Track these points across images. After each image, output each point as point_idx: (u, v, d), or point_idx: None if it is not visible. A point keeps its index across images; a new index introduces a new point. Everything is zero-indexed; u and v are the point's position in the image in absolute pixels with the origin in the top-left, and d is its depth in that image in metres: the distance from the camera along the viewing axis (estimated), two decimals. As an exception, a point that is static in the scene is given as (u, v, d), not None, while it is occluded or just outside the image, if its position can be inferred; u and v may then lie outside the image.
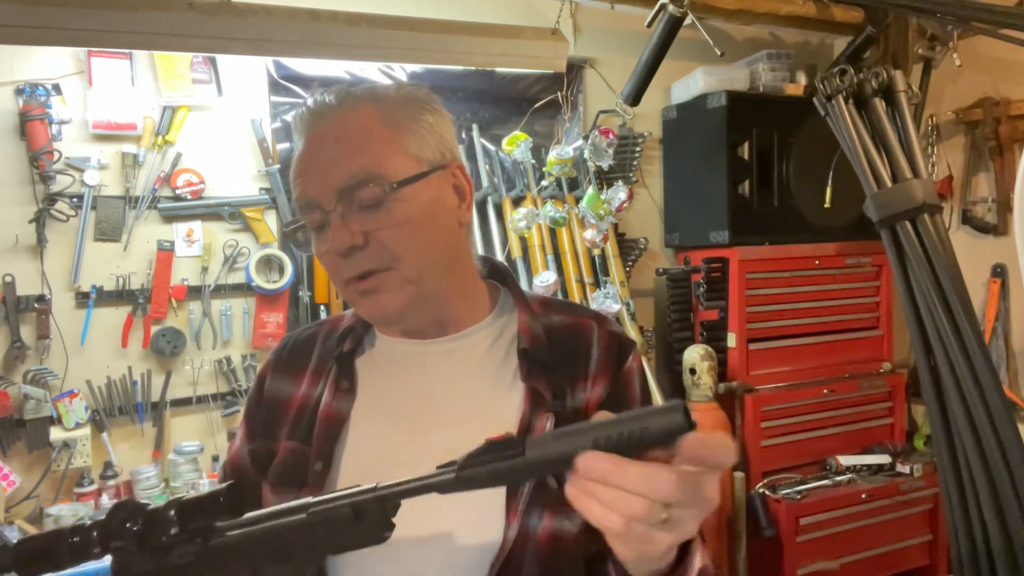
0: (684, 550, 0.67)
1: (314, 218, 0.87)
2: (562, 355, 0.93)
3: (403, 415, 0.92)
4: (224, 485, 0.67)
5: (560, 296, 2.57)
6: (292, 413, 0.95)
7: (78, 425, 2.15)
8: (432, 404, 0.91)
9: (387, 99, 0.88)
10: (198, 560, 0.68)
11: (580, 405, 0.91)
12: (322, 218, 0.86)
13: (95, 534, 0.68)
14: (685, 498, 0.56)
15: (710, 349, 2.61)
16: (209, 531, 0.68)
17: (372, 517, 0.65)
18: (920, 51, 2.84)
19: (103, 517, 0.68)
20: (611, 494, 0.56)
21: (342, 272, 0.87)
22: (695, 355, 2.59)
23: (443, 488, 0.62)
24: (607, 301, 2.56)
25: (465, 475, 0.62)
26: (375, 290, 0.86)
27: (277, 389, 0.98)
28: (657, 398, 2.41)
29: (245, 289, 2.38)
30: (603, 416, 0.58)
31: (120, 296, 2.24)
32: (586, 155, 2.65)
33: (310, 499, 0.66)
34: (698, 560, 0.69)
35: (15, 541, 0.73)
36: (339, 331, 0.98)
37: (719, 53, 2.30)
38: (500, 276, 1.02)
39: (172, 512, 0.67)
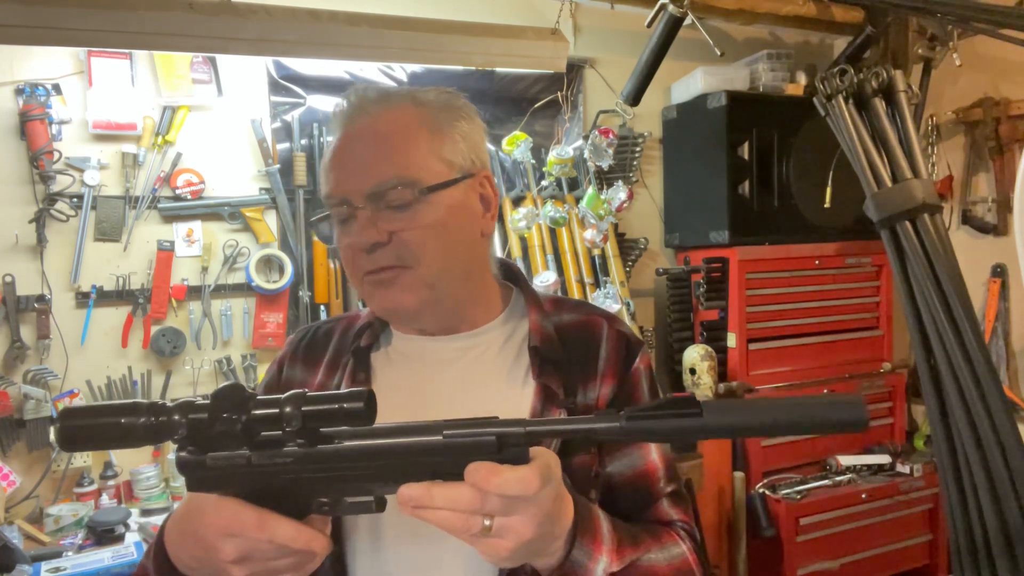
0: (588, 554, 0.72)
1: (341, 212, 0.89)
2: (573, 352, 0.95)
3: (417, 410, 0.93)
4: (365, 390, 0.60)
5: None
6: None
7: (78, 425, 2.15)
8: (446, 400, 0.93)
9: (427, 103, 0.91)
10: (296, 463, 0.61)
11: (591, 403, 0.93)
12: (349, 212, 0.88)
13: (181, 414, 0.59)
14: (497, 509, 0.60)
15: (710, 349, 2.61)
16: (326, 436, 0.61)
17: (512, 453, 0.60)
18: (920, 51, 2.84)
19: (206, 396, 0.60)
20: (428, 514, 0.61)
21: (361, 266, 0.89)
22: (695, 355, 2.59)
23: (604, 435, 0.59)
24: (607, 301, 2.56)
25: (633, 426, 0.58)
26: (392, 283, 0.88)
27: (293, 376, 1.02)
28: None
29: (245, 289, 2.38)
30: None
31: (120, 296, 2.24)
32: (586, 155, 2.65)
33: (441, 420, 0.61)
34: (601, 566, 0.73)
35: (64, 408, 0.61)
36: (356, 327, 1.01)
37: (719, 53, 2.30)
38: (513, 277, 1.05)
39: (292, 407, 0.59)
